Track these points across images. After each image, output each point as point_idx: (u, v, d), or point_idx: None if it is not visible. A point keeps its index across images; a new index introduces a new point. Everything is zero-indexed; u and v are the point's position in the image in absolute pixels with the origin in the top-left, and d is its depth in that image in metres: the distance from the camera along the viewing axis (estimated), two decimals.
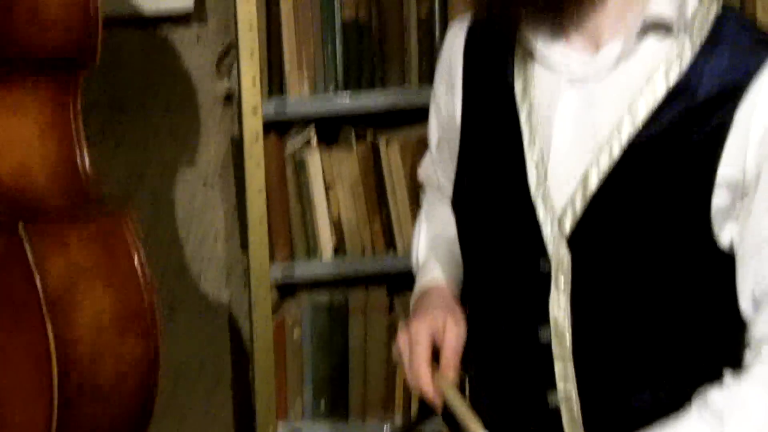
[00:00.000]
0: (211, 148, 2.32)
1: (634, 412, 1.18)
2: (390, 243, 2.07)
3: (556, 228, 1.16)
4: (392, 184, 2.05)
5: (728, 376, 1.13)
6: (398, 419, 2.14)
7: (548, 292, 1.18)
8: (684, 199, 1.13)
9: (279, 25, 1.98)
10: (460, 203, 1.28)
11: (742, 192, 1.12)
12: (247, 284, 2.02)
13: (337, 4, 1.98)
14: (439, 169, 1.38)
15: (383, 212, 2.06)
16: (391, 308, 2.14)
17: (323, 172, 2.05)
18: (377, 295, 2.14)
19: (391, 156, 2.05)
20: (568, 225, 1.16)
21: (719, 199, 1.12)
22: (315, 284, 2.14)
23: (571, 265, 1.16)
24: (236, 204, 2.27)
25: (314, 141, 2.07)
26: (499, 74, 1.22)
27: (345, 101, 2.01)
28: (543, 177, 1.17)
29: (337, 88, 2.01)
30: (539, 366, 1.20)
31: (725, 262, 1.14)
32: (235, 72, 2.08)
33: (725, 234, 1.14)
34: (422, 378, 1.23)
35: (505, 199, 1.20)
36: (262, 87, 1.97)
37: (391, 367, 2.11)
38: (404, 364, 1.26)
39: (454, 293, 1.33)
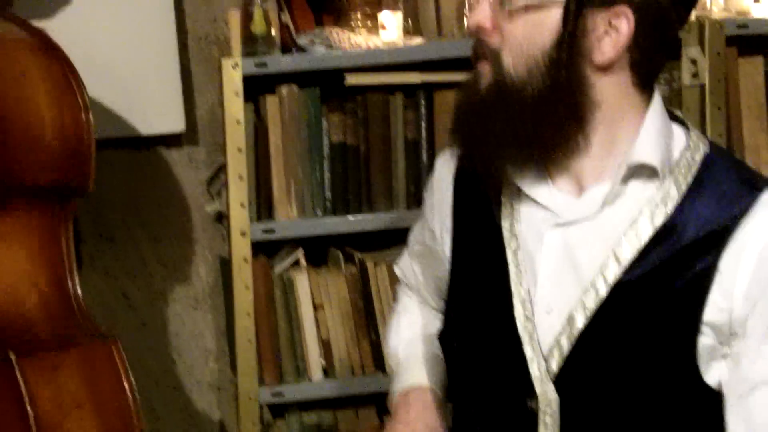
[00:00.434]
0: (201, 269, 2.34)
1: None
2: (379, 364, 2.07)
3: (543, 367, 1.16)
4: (380, 304, 2.06)
5: None
6: None
7: (536, 430, 1.17)
8: (670, 340, 1.13)
9: (267, 148, 2.01)
10: (448, 337, 1.28)
11: (728, 335, 1.13)
12: (236, 408, 2.01)
13: (324, 129, 2.02)
14: (420, 275, 1.41)
15: (372, 333, 2.06)
16: (381, 429, 2.11)
17: (311, 293, 2.06)
18: (367, 416, 2.12)
19: (380, 277, 2.06)
20: (554, 364, 1.16)
21: (705, 341, 1.13)
22: (304, 405, 2.12)
23: (559, 404, 1.16)
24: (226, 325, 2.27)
25: (302, 262, 2.08)
26: (487, 208, 1.24)
27: (333, 224, 2.03)
28: (530, 315, 1.17)
29: (325, 211, 2.03)
30: None
31: (712, 398, 1.14)
32: (225, 193, 2.11)
33: (712, 373, 1.14)
34: None
35: (493, 337, 1.21)
36: (250, 210, 1.99)
37: None
38: None
39: (437, 396, 1.33)
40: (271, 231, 2.01)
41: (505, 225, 1.21)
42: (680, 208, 1.14)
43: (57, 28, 2.08)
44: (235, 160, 1.97)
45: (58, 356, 1.57)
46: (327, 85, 2.02)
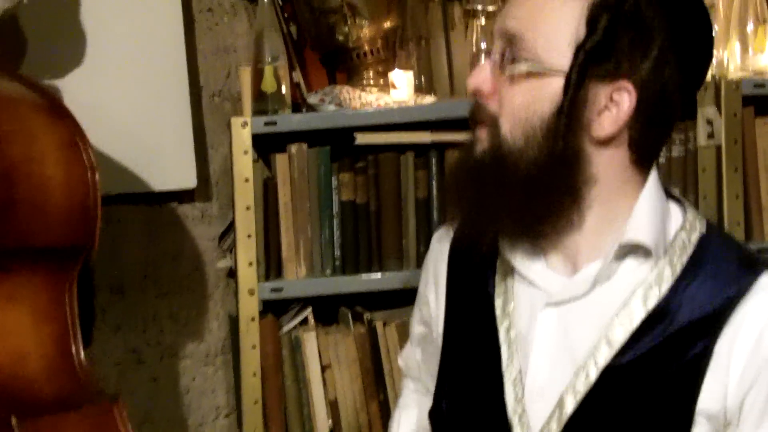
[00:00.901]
0: (213, 325, 2.32)
1: None
2: (387, 425, 2.03)
3: None
4: (389, 365, 2.03)
5: None
6: None
7: None
8: (662, 427, 1.10)
9: (276, 207, 2.00)
10: (437, 415, 1.25)
11: (724, 424, 1.09)
12: None
13: (334, 188, 2.00)
14: (421, 362, 1.37)
15: (380, 394, 2.03)
16: None
17: (319, 352, 2.04)
18: None
19: (389, 337, 2.04)
20: None
21: (699, 429, 1.09)
22: None
23: None
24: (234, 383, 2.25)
25: (311, 322, 2.06)
26: (480, 286, 1.22)
27: (342, 283, 2.01)
28: (520, 396, 1.15)
29: (334, 270, 2.01)
30: None
31: None
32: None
33: None
34: None
35: (482, 417, 1.18)
36: (258, 269, 1.98)
37: None
38: None
39: None
40: (280, 290, 1.99)
41: (498, 303, 1.19)
42: (674, 290, 1.11)
43: (69, 85, 2.11)
44: (243, 219, 1.96)
45: (59, 419, 1.56)
46: (337, 144, 2.00)
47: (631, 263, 1.13)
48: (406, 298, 2.04)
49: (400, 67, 2.05)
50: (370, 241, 2.03)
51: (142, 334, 2.28)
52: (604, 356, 1.11)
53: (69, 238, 1.60)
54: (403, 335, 2.04)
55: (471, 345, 1.21)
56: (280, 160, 1.99)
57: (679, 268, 1.12)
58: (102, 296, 2.26)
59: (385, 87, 2.04)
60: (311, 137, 2.00)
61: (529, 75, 1.11)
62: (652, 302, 1.11)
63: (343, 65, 2.08)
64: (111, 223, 2.24)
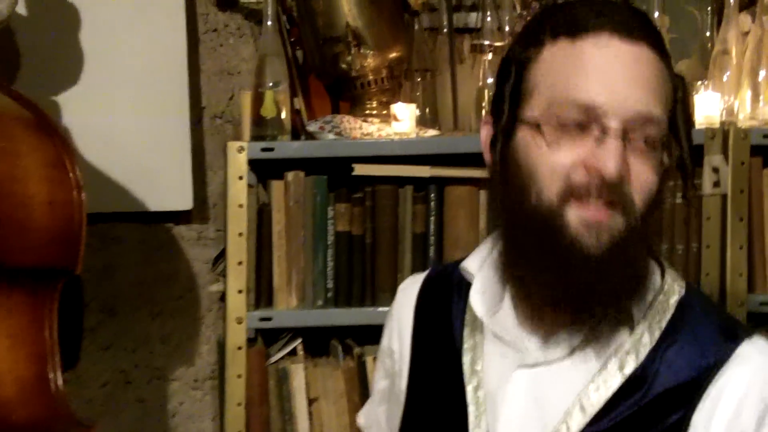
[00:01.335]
0: (203, 349, 2.29)
1: None
2: None
3: None
4: None
5: None
6: None
7: None
8: None
9: (270, 234, 1.96)
10: None
11: None
12: None
13: (330, 218, 1.97)
14: (385, 421, 1.32)
15: None
16: None
17: (307, 385, 2.00)
18: None
19: None
20: None
21: None
22: None
23: None
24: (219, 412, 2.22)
25: (300, 353, 2.02)
26: (447, 340, 1.17)
27: (334, 315, 1.97)
28: None
29: (326, 303, 1.97)
30: None
31: None
32: None
33: None
34: None
35: None
36: (248, 297, 1.94)
37: None
38: None
39: None
40: (269, 319, 1.96)
41: (465, 360, 1.14)
42: (652, 357, 1.07)
43: (67, 100, 2.09)
44: (235, 245, 1.92)
45: None
46: (336, 173, 1.97)
47: (608, 328, 1.09)
48: None
49: (404, 99, 2.02)
50: (364, 274, 1.99)
51: (131, 354, 2.25)
52: (578, 423, 1.07)
53: (50, 260, 1.57)
54: None
55: (436, 403, 1.17)
56: (276, 187, 1.96)
57: (657, 334, 1.08)
58: (93, 315, 2.23)
59: (388, 118, 2.00)
60: (310, 165, 1.97)
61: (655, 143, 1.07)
62: (629, 368, 1.07)
63: (347, 94, 2.05)
64: (105, 241, 2.22)
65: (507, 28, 2.06)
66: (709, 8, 2.12)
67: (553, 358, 1.09)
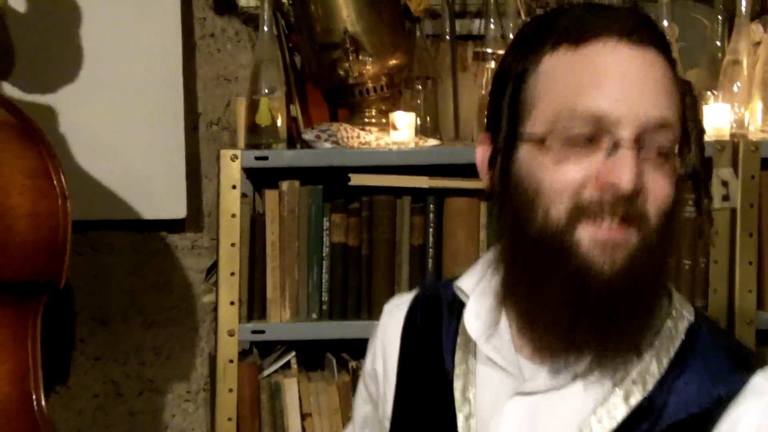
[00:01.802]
0: (196, 360, 2.24)
1: None
2: None
3: None
4: None
5: None
6: None
7: None
8: None
9: (263, 245, 1.91)
10: None
11: None
12: None
13: (326, 228, 1.91)
14: None
15: None
16: None
17: (300, 400, 1.94)
18: None
19: None
20: None
21: None
22: None
23: None
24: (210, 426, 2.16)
25: (293, 367, 1.97)
26: (437, 367, 1.11)
27: (328, 329, 1.92)
28: None
29: (321, 316, 1.92)
30: None
31: None
32: None
33: None
34: None
35: None
36: (240, 309, 1.89)
37: None
38: None
39: None
40: (262, 332, 1.90)
41: (457, 386, 1.08)
42: (660, 387, 1.00)
43: (58, 103, 2.05)
44: (227, 256, 1.87)
45: None
46: (332, 183, 1.92)
47: (616, 357, 1.01)
48: None
49: (404, 108, 1.97)
50: (360, 286, 1.93)
51: (122, 366, 2.21)
52: None
53: (32, 273, 1.51)
54: None
55: (424, 431, 1.11)
56: (270, 197, 1.91)
57: (666, 362, 1.01)
58: (83, 325, 2.18)
59: (387, 127, 1.95)
60: (305, 175, 1.91)
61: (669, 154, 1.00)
62: (635, 399, 1.00)
63: (345, 102, 2.00)
64: (97, 249, 2.17)
65: (511, 36, 2.01)
66: (719, 17, 2.06)
67: (553, 386, 1.03)
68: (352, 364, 1.95)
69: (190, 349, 2.23)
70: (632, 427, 0.99)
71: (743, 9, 1.95)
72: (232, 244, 1.87)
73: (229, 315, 1.88)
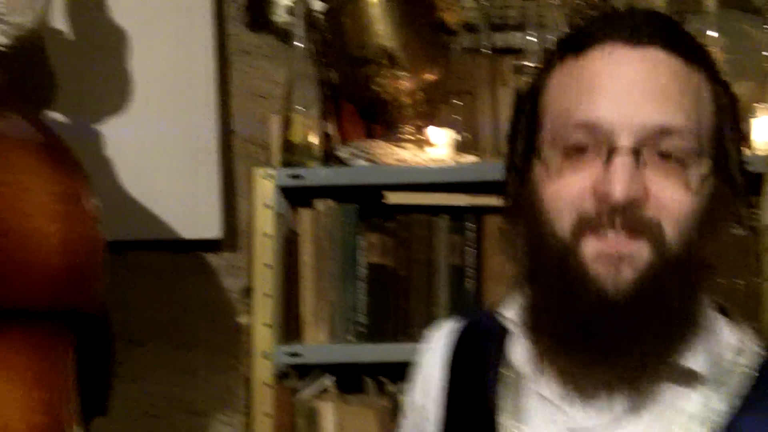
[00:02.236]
0: (232, 382, 2.20)
1: None
2: None
3: None
4: None
5: None
6: None
7: None
8: None
9: (298, 267, 1.87)
10: None
11: None
12: None
13: (361, 249, 1.87)
14: None
15: None
16: None
17: (337, 424, 1.89)
18: None
19: None
20: None
21: None
22: None
23: None
24: None
25: (330, 391, 1.92)
26: (481, 402, 1.03)
27: (365, 351, 1.87)
28: None
29: (356, 338, 1.87)
30: None
31: None
32: None
33: None
34: None
35: None
36: (275, 331, 1.85)
37: None
38: None
39: None
40: (297, 355, 1.86)
41: (504, 423, 1.00)
42: (728, 427, 0.93)
43: (91, 125, 2.03)
44: (261, 276, 1.84)
45: None
46: (366, 202, 1.87)
47: (672, 391, 0.95)
48: None
49: (441, 123, 1.92)
50: (396, 308, 1.88)
51: (158, 388, 2.17)
52: None
53: (65, 300, 1.46)
54: None
55: None
56: (305, 216, 1.87)
57: (737, 401, 0.93)
58: (118, 347, 2.14)
59: (423, 143, 1.90)
60: (339, 193, 1.87)
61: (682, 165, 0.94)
62: None
63: (380, 118, 1.96)
64: (130, 269, 2.14)
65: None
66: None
67: (604, 423, 0.95)
68: (391, 387, 1.90)
69: (226, 370, 2.19)
70: None
71: None
72: (266, 264, 1.84)
73: (263, 337, 1.84)
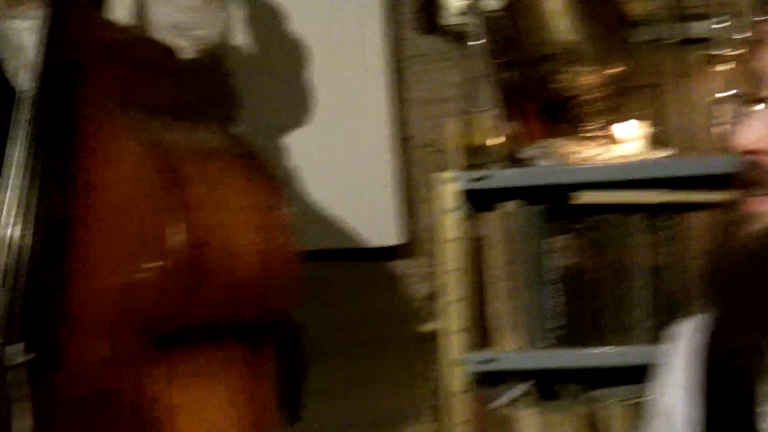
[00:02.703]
0: (420, 393, 2.17)
1: None
2: None
3: None
4: None
5: None
6: None
7: None
8: None
9: (483, 270, 1.82)
10: None
11: None
12: None
13: (550, 251, 1.81)
14: None
15: None
16: None
17: None
18: None
19: (613, 420, 1.81)
20: None
21: None
22: None
23: None
24: None
25: (526, 400, 1.86)
26: (739, 402, 0.97)
27: (561, 358, 1.81)
28: None
29: (548, 344, 1.82)
30: None
31: None
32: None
33: None
34: None
35: None
36: (466, 338, 1.81)
37: None
38: None
39: None
40: (490, 361, 1.82)
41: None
42: None
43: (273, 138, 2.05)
44: (448, 282, 1.80)
45: None
46: (550, 202, 1.82)
47: None
48: (628, 376, 1.83)
49: (627, 119, 1.85)
50: (591, 312, 1.82)
51: (342, 399, 2.16)
52: None
53: (264, 311, 1.47)
54: (633, 419, 1.80)
55: None
56: (490, 219, 1.83)
57: None
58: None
59: (608, 140, 1.84)
60: (521, 195, 1.83)
61: None
62: None
63: (563, 116, 1.90)
64: (313, 280, 2.14)
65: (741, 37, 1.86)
66: None
67: None
68: (588, 395, 1.84)
69: (411, 380, 2.16)
70: None
71: None
72: (452, 270, 1.80)
73: (453, 344, 1.81)
